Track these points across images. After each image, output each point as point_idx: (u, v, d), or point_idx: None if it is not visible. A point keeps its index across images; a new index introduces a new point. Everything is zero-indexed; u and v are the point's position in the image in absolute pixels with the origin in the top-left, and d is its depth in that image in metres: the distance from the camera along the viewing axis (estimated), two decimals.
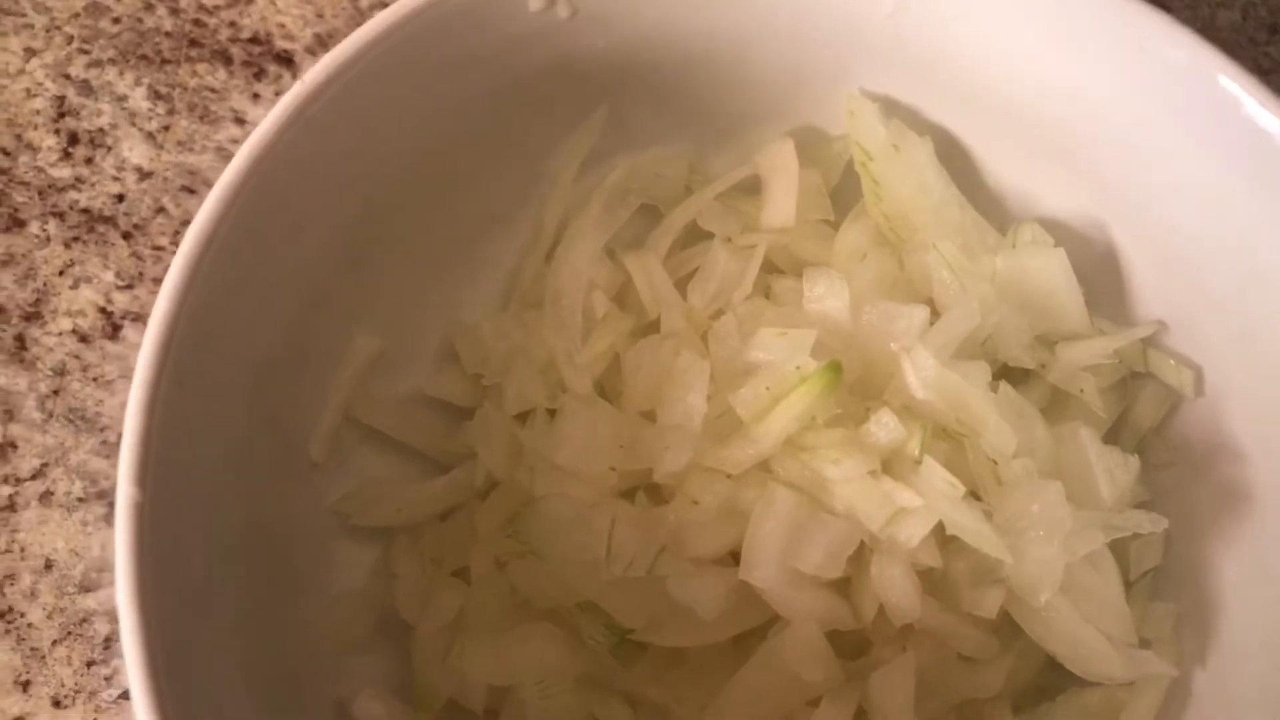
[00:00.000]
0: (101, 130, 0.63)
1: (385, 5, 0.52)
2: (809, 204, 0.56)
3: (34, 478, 0.58)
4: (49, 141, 0.63)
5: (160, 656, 0.41)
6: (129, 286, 0.61)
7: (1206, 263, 0.51)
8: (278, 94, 0.64)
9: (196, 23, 0.65)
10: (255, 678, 0.47)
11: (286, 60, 0.65)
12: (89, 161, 0.62)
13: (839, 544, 0.48)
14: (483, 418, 0.54)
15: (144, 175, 0.62)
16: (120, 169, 0.62)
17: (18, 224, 0.61)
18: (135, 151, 0.63)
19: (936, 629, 0.49)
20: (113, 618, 0.56)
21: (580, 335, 0.54)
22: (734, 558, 0.49)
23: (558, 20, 0.50)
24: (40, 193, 0.62)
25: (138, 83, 0.64)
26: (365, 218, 0.51)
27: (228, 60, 0.64)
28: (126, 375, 0.59)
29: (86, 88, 0.63)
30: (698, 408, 0.50)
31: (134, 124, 0.63)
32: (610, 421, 0.52)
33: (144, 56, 0.64)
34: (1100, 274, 0.55)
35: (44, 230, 0.61)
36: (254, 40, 0.65)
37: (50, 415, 0.59)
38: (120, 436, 0.58)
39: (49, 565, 0.57)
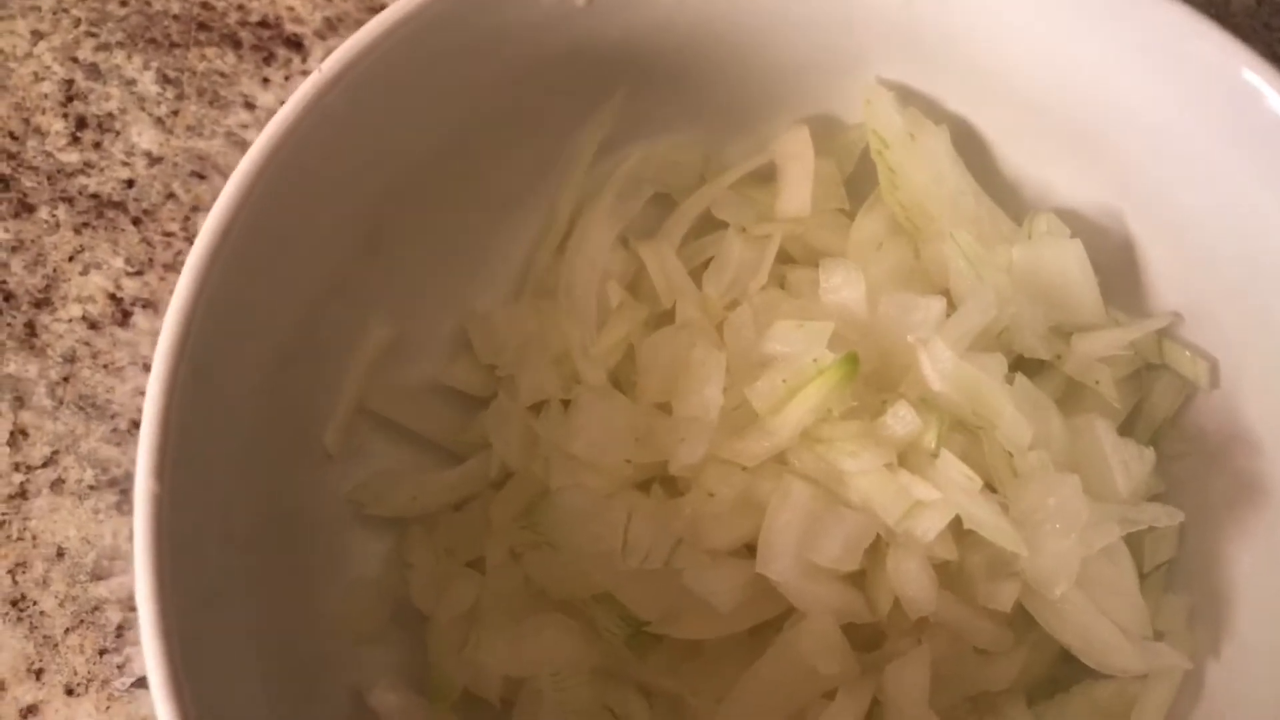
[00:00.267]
0: (110, 114, 0.62)
1: None
2: (824, 193, 0.56)
3: (45, 465, 0.57)
4: (57, 125, 0.62)
5: (178, 648, 0.41)
6: (139, 273, 0.60)
7: (1223, 254, 0.51)
8: (287, 78, 0.63)
9: (205, 6, 0.64)
10: (271, 668, 0.47)
11: (296, 44, 0.64)
12: (97, 146, 0.62)
13: (855, 537, 0.48)
14: (497, 408, 0.54)
15: (153, 160, 0.62)
16: (129, 154, 0.62)
17: (27, 209, 0.61)
18: (144, 136, 0.62)
19: (951, 622, 0.50)
20: (125, 606, 0.56)
21: (595, 325, 0.54)
22: (750, 550, 0.49)
23: (573, 8, 0.50)
24: (49, 177, 0.61)
25: (146, 66, 0.63)
26: (380, 206, 0.50)
27: (237, 44, 0.64)
28: (136, 362, 0.59)
29: (95, 71, 0.63)
30: (714, 400, 0.50)
31: (143, 108, 0.62)
32: (625, 413, 0.52)
33: (152, 40, 0.64)
34: (1116, 265, 0.54)
35: (53, 216, 0.61)
36: (263, 24, 0.64)
37: (61, 402, 0.58)
38: (131, 424, 0.59)
39: (61, 553, 0.57)
